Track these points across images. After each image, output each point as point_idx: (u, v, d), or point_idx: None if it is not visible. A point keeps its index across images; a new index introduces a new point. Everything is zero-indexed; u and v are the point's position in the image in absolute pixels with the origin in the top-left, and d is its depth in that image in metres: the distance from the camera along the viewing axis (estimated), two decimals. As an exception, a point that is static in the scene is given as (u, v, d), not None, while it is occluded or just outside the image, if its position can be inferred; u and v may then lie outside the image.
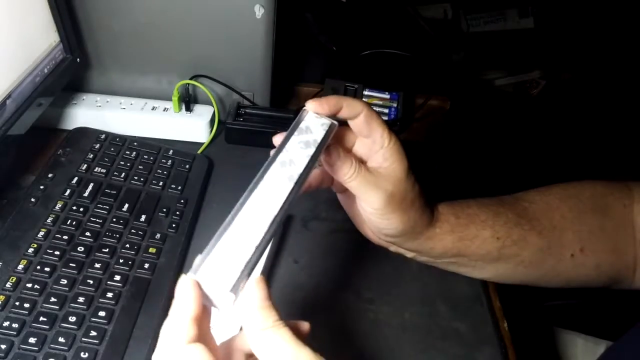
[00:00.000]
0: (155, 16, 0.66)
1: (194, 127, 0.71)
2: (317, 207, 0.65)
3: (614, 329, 0.57)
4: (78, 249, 0.52)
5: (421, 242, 0.48)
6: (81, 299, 0.48)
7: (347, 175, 0.42)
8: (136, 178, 0.62)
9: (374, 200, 0.43)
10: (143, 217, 0.57)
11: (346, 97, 0.43)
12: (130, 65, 0.71)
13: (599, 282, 0.54)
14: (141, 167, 0.64)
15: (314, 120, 0.40)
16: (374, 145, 0.43)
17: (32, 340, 0.45)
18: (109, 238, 0.54)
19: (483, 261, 0.51)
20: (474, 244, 0.49)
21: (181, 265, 0.56)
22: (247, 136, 0.72)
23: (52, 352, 0.45)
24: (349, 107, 0.42)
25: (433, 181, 0.72)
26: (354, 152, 0.45)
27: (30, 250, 0.51)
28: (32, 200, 0.56)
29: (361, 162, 0.43)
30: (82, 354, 0.45)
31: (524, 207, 0.52)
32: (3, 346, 0.44)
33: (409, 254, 0.50)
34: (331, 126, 0.40)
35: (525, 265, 0.51)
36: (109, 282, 0.51)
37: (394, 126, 0.79)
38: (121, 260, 0.53)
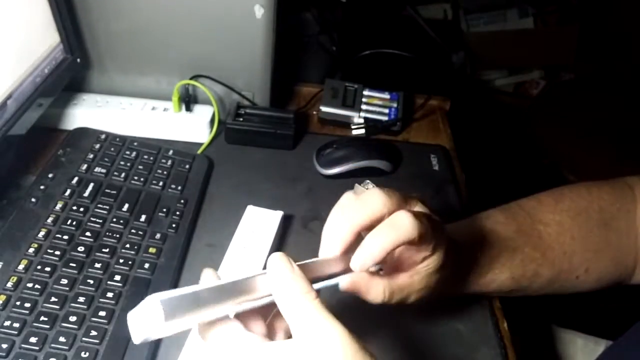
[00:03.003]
0: (155, 16, 0.66)
1: (194, 127, 0.72)
2: (317, 207, 0.65)
3: (614, 328, 0.57)
4: (78, 248, 0.53)
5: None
6: (81, 299, 0.49)
7: (377, 300, 0.41)
8: (136, 178, 0.62)
9: (408, 303, 0.44)
10: (143, 217, 0.58)
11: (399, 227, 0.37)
12: (130, 65, 0.71)
13: (599, 288, 0.56)
14: (141, 167, 0.64)
15: None
16: (416, 255, 0.41)
17: (33, 339, 0.45)
18: (109, 238, 0.54)
19: (494, 295, 0.55)
20: (490, 287, 0.52)
21: (181, 265, 0.56)
22: (247, 136, 0.72)
23: (53, 351, 0.45)
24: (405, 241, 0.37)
25: (433, 182, 0.72)
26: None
27: (31, 250, 0.51)
28: (33, 200, 0.56)
29: (394, 267, 0.42)
30: (82, 354, 0.45)
31: (538, 233, 0.52)
32: (4, 345, 0.44)
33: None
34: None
35: (533, 292, 0.54)
36: (109, 282, 0.51)
37: (393, 126, 0.79)
38: (121, 260, 0.53)
